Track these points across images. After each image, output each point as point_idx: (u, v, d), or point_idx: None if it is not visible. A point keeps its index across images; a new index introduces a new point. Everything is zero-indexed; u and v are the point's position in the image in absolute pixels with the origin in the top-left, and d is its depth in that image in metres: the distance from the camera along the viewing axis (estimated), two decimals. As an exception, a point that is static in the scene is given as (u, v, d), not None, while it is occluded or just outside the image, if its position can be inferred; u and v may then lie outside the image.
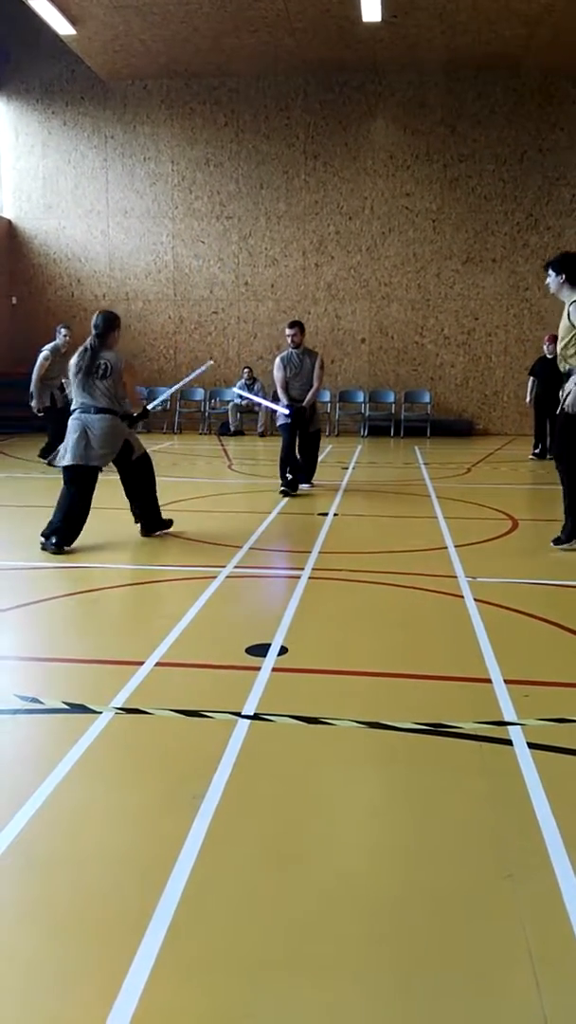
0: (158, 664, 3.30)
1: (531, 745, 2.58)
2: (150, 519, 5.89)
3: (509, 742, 2.61)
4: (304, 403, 7.78)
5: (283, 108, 14.56)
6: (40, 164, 15.20)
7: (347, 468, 9.86)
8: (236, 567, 4.91)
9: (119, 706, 2.87)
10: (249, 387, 14.20)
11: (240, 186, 14.82)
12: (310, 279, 14.90)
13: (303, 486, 7.93)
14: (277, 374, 7.82)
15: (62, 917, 1.82)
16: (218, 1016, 1.55)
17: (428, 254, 14.64)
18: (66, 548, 5.36)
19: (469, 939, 1.74)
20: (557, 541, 5.34)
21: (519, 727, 2.71)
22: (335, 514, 6.69)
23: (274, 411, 8.36)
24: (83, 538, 5.88)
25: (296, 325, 7.99)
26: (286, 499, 7.41)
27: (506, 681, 3.11)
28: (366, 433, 14.62)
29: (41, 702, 2.92)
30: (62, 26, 11.87)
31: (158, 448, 12.41)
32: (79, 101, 14.91)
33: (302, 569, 4.83)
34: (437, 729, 2.71)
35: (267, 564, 5.01)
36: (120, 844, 2.10)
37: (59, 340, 9.68)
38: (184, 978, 1.63)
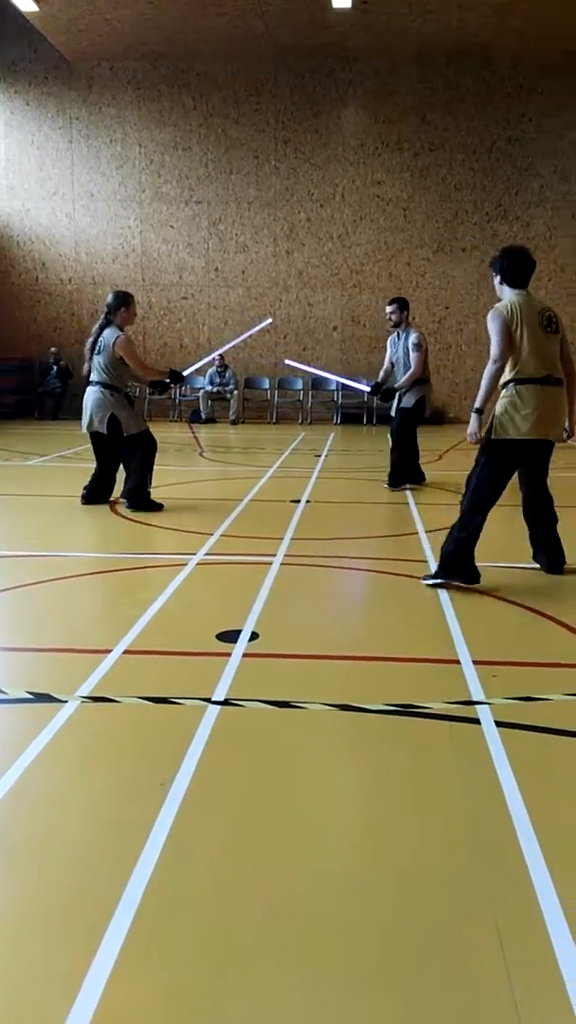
0: (126, 652, 3.26)
1: (498, 723, 2.59)
2: (136, 495, 6.16)
3: (477, 721, 2.62)
4: (396, 386, 7.09)
5: (253, 93, 14.43)
6: (2, 145, 14.90)
7: (320, 455, 9.86)
8: (207, 554, 4.87)
9: (86, 695, 2.83)
10: (220, 374, 14.13)
11: (209, 170, 14.67)
12: (281, 266, 14.83)
13: (384, 485, 7.21)
14: (387, 353, 7.30)
15: (27, 905, 1.79)
16: (185, 1003, 1.53)
17: (399, 242, 14.65)
18: (87, 503, 6.23)
19: (438, 917, 1.75)
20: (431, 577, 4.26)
21: (487, 706, 2.73)
22: (307, 501, 6.67)
23: (348, 387, 7.68)
24: (50, 526, 5.81)
25: (395, 302, 7.18)
26: (260, 485, 7.37)
27: (474, 662, 3.13)
28: (339, 421, 14.63)
29: (4, 692, 2.87)
30: (24, 2, 11.61)
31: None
32: (43, 81, 14.62)
33: (274, 555, 4.81)
34: (407, 710, 2.72)
35: (239, 551, 4.98)
36: (86, 832, 2.07)
37: None
38: (150, 965, 1.61)
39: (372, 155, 14.46)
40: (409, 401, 7.12)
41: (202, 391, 14.13)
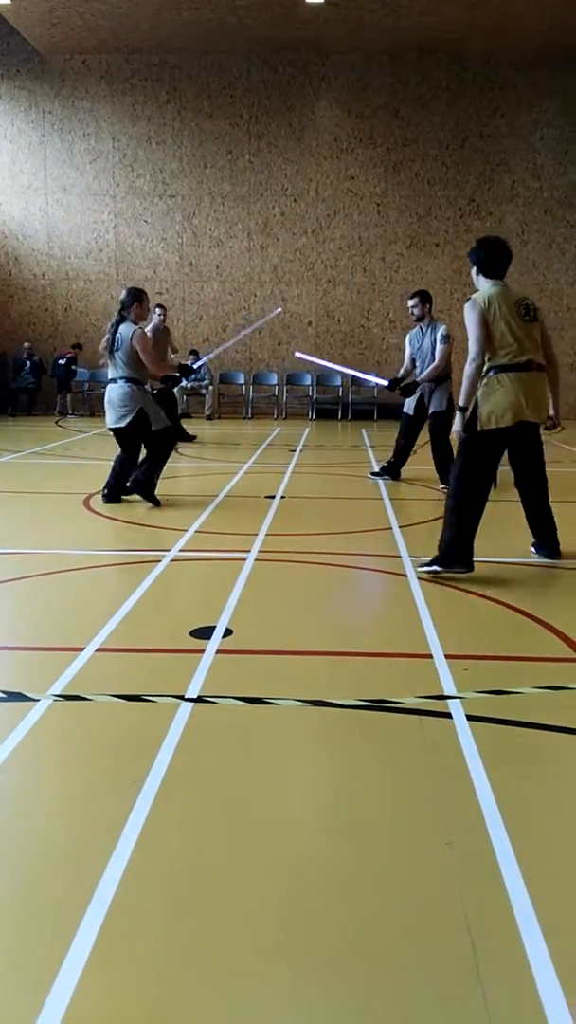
0: (99, 650, 3.24)
1: (470, 717, 2.62)
2: (142, 484, 6.17)
3: (449, 715, 2.65)
4: (418, 379, 6.98)
5: (226, 86, 14.37)
6: (-26, 139, 14.72)
7: (295, 451, 9.87)
8: (181, 550, 4.86)
9: (58, 693, 2.82)
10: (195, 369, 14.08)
11: (183, 165, 14.61)
12: (256, 261, 14.81)
13: (440, 487, 6.86)
14: (406, 350, 7.22)
15: (-3, 905, 1.79)
16: (157, 1002, 1.53)
17: (373, 238, 14.68)
18: (109, 501, 6.21)
19: (408, 908, 1.77)
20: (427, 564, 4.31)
21: (458, 700, 2.75)
22: (282, 496, 6.68)
23: (363, 381, 7.62)
24: (22, 523, 5.77)
25: (416, 295, 7.03)
26: (235, 481, 7.37)
27: (446, 656, 3.16)
28: (314, 416, 14.66)
29: (-23, 689, 2.85)
30: (-5, -5, 11.47)
31: (102, 431, 12.22)
32: (15, 75, 14.46)
33: (248, 551, 4.81)
34: (380, 705, 2.73)
35: (213, 547, 4.98)
36: (58, 831, 2.06)
37: (156, 320, 9.83)
38: (123, 964, 1.61)
39: (345, 150, 14.47)
40: (441, 403, 6.98)
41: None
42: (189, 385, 13.97)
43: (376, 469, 7.71)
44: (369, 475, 7.70)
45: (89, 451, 9.85)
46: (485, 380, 4.16)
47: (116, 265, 14.86)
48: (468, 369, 4.13)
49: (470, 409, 4.16)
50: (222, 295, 14.86)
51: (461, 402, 4.21)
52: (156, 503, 6.17)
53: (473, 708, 2.69)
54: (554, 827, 2.07)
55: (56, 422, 13.14)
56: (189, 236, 14.78)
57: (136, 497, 6.31)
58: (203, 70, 14.29)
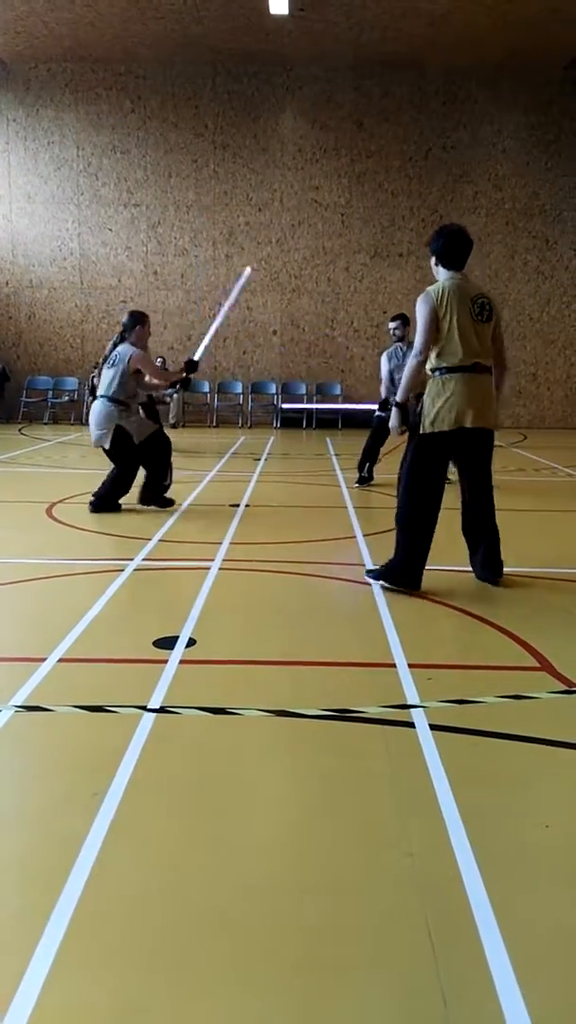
0: (61, 660, 3.20)
1: (432, 727, 2.63)
2: (151, 491, 6.35)
3: (412, 724, 2.66)
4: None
5: (191, 97, 14.40)
6: None
7: (259, 459, 9.87)
8: (144, 559, 4.82)
9: (18, 704, 2.78)
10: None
11: (148, 174, 14.59)
12: (220, 270, 14.82)
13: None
14: (382, 368, 7.65)
15: (-48, 925, 1.75)
16: (116, 1013, 1.51)
17: (337, 248, 14.80)
18: (95, 511, 6.13)
19: (369, 919, 1.76)
20: (372, 573, 4.33)
21: (421, 709, 2.77)
22: (247, 505, 6.67)
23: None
24: (-16, 533, 5.67)
25: (399, 318, 7.63)
26: (199, 489, 7.34)
27: (410, 665, 3.17)
28: (279, 424, 14.69)
29: None
30: (-44, -1, 11.36)
31: (66, 439, 12.09)
32: (-23, 80, 14.32)
33: (212, 561, 4.79)
34: (342, 715, 2.74)
35: (176, 556, 4.95)
36: (17, 845, 2.03)
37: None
38: (82, 976, 1.59)
39: (310, 161, 14.59)
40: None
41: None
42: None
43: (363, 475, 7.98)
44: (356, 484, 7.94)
45: (52, 459, 9.74)
46: (431, 382, 4.05)
47: (80, 273, 14.76)
48: (410, 363, 4.06)
49: (421, 410, 4.07)
50: (187, 304, 14.84)
51: (398, 397, 4.19)
52: (170, 503, 6.39)
53: (436, 717, 2.70)
54: (515, 837, 2.08)
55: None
56: (154, 245, 14.74)
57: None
58: (168, 80, 14.30)
